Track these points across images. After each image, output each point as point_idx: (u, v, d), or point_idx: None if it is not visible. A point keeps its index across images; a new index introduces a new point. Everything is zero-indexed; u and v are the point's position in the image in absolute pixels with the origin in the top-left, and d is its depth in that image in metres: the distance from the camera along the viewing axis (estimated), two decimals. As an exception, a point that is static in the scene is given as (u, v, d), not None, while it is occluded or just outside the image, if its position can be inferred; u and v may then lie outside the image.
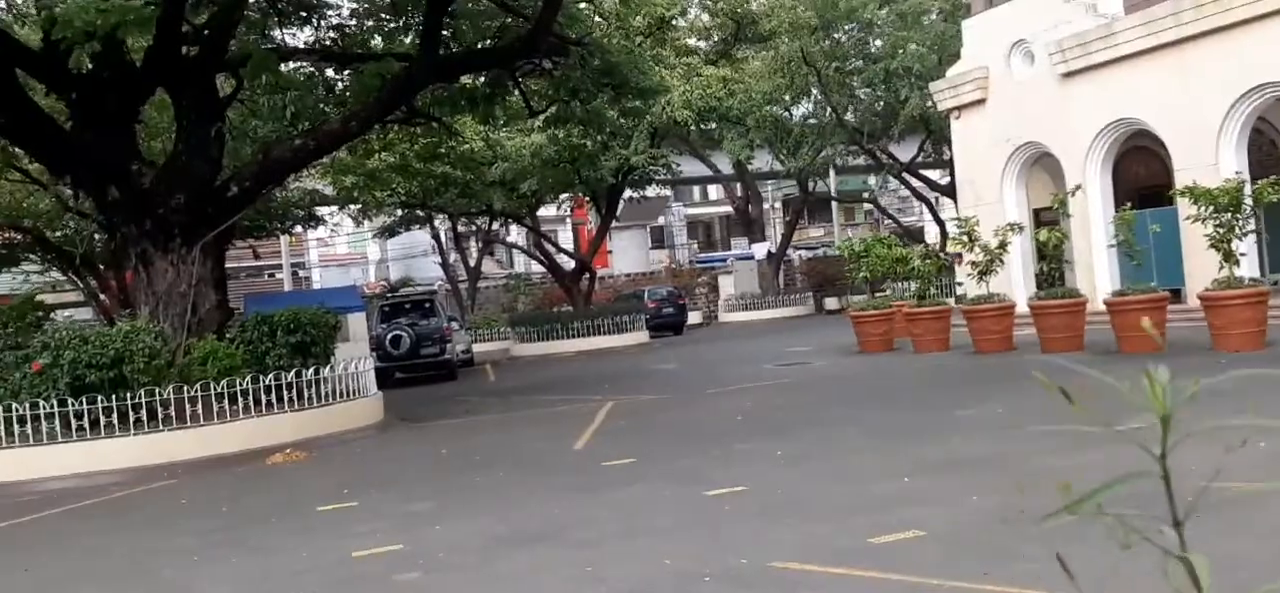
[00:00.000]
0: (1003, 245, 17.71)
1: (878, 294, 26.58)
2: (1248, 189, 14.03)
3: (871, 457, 8.88)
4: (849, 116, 32.10)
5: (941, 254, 24.09)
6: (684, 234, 76.50)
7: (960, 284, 17.64)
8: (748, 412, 13.04)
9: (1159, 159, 24.32)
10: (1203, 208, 14.08)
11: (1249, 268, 15.21)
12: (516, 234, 51.73)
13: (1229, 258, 14.05)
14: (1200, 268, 19.20)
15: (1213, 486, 5.15)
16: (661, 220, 73.82)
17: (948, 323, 19.18)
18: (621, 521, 7.41)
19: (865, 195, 53.16)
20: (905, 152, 37.71)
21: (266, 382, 14.21)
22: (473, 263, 46.33)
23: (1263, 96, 18.44)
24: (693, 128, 32.25)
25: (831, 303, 43.13)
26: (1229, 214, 13.90)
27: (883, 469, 8.19)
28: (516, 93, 19.52)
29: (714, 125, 37.10)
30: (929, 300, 19.19)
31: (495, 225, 42.24)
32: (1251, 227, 14.23)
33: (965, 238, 18.17)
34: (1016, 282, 23.02)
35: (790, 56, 30.17)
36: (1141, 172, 24.63)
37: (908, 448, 9.06)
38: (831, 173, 46.52)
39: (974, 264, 18.11)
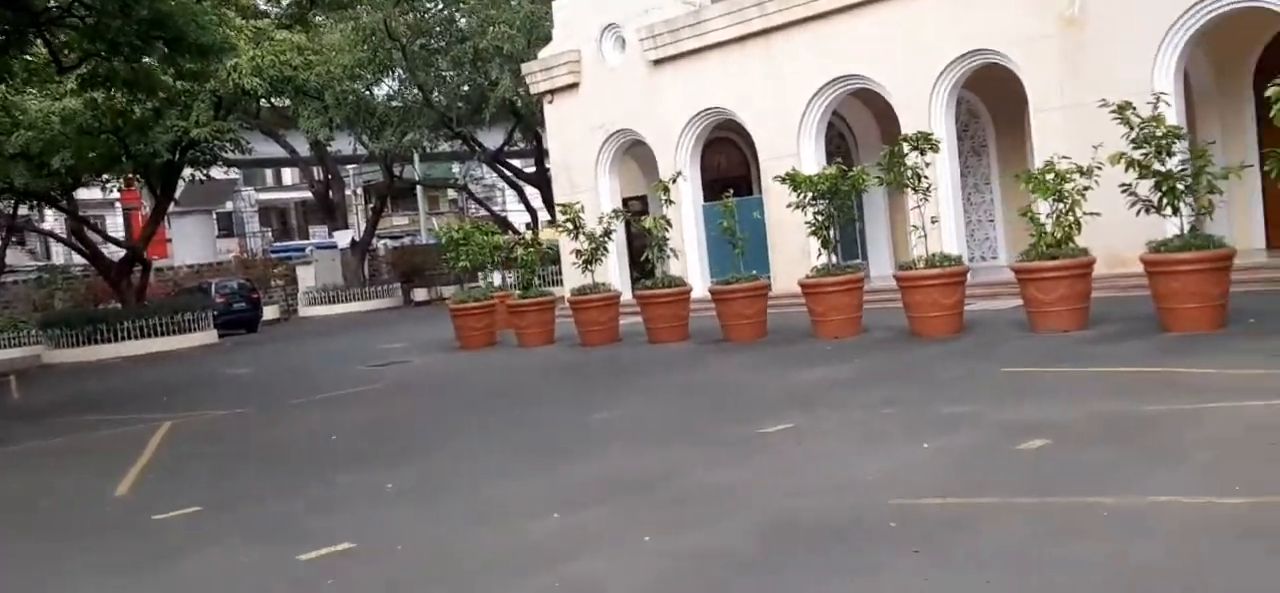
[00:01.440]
0: (608, 233, 17.05)
1: (470, 285, 25.35)
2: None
3: (510, 483, 7.41)
4: (437, 97, 30.48)
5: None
6: (257, 221, 70.97)
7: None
8: (345, 428, 11.11)
9: (739, 150, 25.17)
10: (803, 195, 14.11)
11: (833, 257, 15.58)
12: (57, 220, 44.74)
13: (826, 245, 14.21)
14: (786, 256, 19.90)
15: (908, 504, 3.96)
16: (231, 205, 67.88)
17: (553, 315, 18.27)
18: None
19: (453, 182, 51.82)
20: (494, 138, 36.83)
21: None
22: (-6, 254, 39.12)
23: (841, 89, 19.29)
24: (264, 101, 29.03)
25: (421, 295, 41.39)
26: (826, 202, 14.03)
27: (529, 500, 6.77)
28: (41, 44, 15.88)
29: (289, 101, 33.92)
30: (533, 291, 18.14)
31: (23, 209, 35.87)
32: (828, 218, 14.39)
33: (570, 225, 17.30)
34: (614, 271, 22.76)
35: (373, 28, 27.99)
36: (723, 162, 25.38)
37: (552, 467, 7.71)
38: (417, 158, 44.69)
39: (578, 253, 17.31)
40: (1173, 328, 10.92)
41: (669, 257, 16.81)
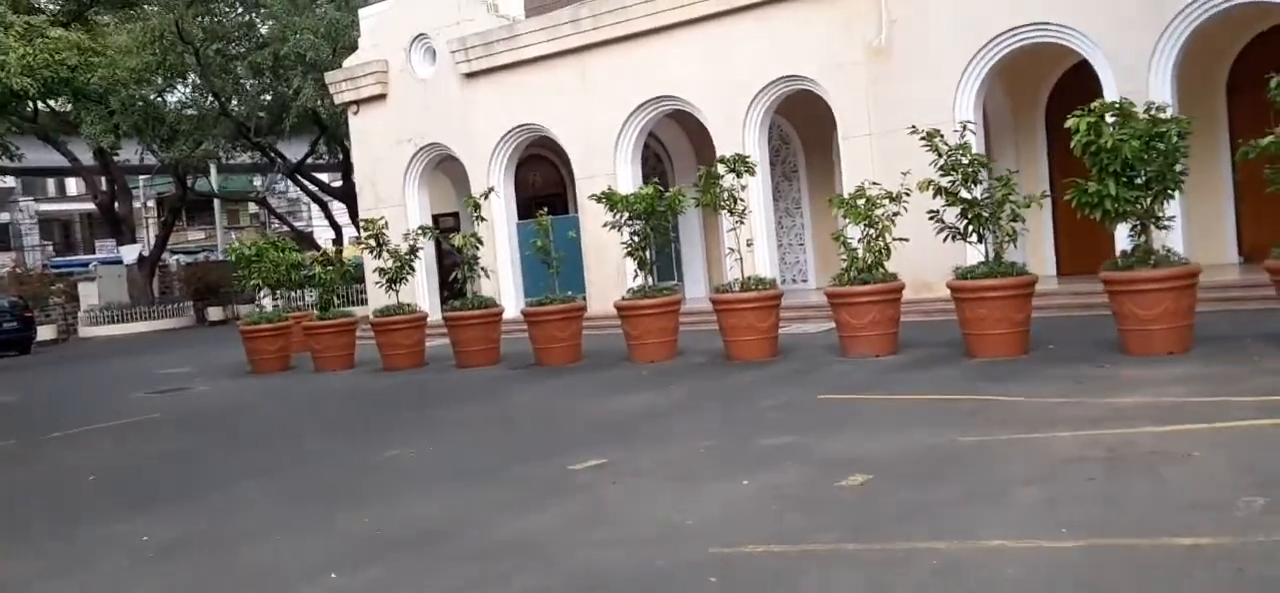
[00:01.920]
0: (413, 251, 16.18)
1: (258, 306, 23.86)
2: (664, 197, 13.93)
3: (284, 537, 6.56)
4: (235, 106, 28.67)
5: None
6: (37, 233, 65.62)
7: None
8: (107, 467, 9.91)
9: (555, 168, 24.68)
10: (619, 215, 13.71)
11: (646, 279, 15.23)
12: None
13: (643, 266, 13.84)
14: (602, 277, 19.48)
15: (730, 553, 3.40)
16: (6, 216, 62.60)
17: (353, 337, 17.23)
18: None
19: (253, 196, 49.22)
20: (297, 150, 35.03)
21: None
22: None
23: (656, 110, 19.06)
24: (38, 104, 26.58)
25: (216, 314, 38.93)
26: (643, 222, 13.66)
27: (305, 557, 5.96)
28: None
29: (69, 105, 31.38)
30: (333, 312, 17.05)
31: None
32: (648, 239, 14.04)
33: (373, 241, 16.34)
34: (423, 291, 21.82)
35: (163, 30, 26.05)
36: (539, 179, 24.85)
37: (333, 516, 6.91)
38: (213, 170, 42.16)
39: (382, 272, 16.37)
40: (978, 353, 11.03)
41: (480, 276, 16.10)
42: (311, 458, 9.33)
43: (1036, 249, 17.53)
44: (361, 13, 24.06)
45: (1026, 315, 11.10)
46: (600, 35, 19.15)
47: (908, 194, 11.92)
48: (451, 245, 15.87)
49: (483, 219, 16.03)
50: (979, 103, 15.69)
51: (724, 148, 16.24)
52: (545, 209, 15.00)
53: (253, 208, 60.31)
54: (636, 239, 13.74)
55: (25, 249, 61.97)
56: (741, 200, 13.09)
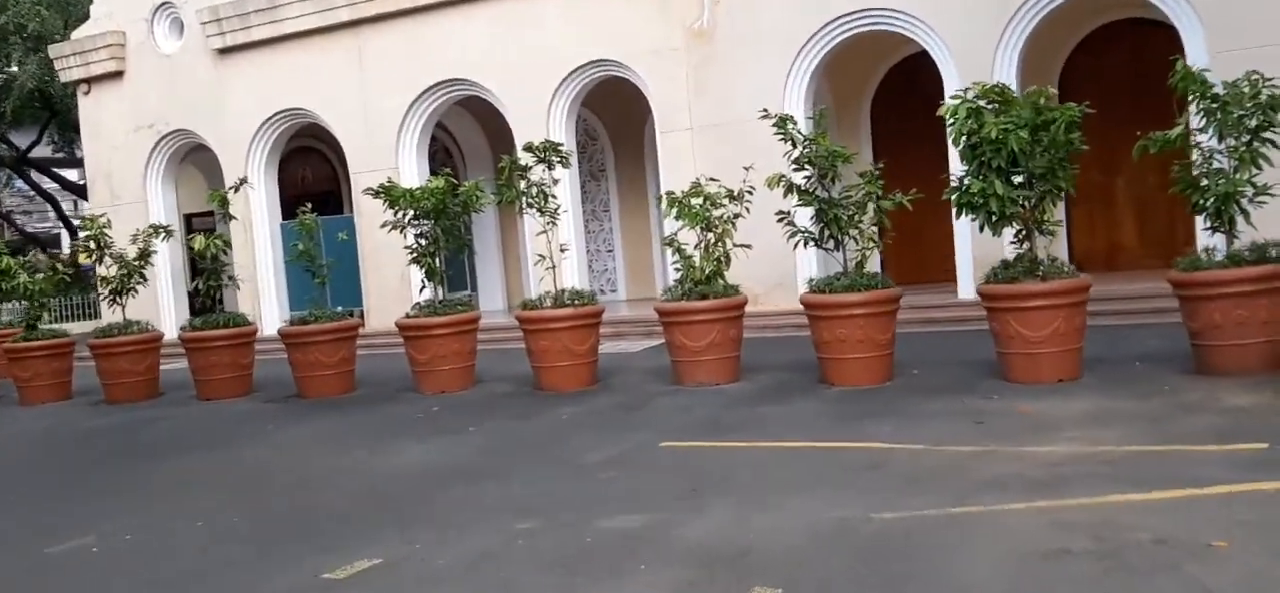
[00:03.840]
0: (145, 256, 13.10)
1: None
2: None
3: None
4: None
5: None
6: None
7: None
8: None
9: (328, 162, 21.73)
10: (402, 213, 11.26)
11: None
12: None
13: (433, 276, 11.42)
14: (382, 288, 16.83)
15: None
16: None
17: (70, 361, 13.93)
18: None
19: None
20: (28, 138, 30.14)
21: None
22: None
23: (446, 95, 16.63)
24: None
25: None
26: (432, 223, 11.26)
27: None
28: None
29: None
30: (42, 330, 13.69)
31: None
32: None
33: (92, 244, 13.19)
34: (166, 305, 18.54)
35: None
36: (309, 175, 21.82)
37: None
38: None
39: (105, 281, 13.23)
40: (837, 380, 9.29)
41: (227, 285, 13.23)
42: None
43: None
44: (94, -25, 20.42)
45: (891, 336, 9.45)
46: (378, 8, 16.57)
47: (751, 192, 10.08)
48: (191, 250, 12.91)
49: (233, 218, 13.17)
50: (810, 94, 14.13)
51: (525, 140, 13.92)
52: (308, 205, 12.32)
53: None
54: (424, 243, 11.32)
55: None
56: (554, 198, 10.90)
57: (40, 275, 13.71)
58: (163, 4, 18.70)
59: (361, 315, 16.32)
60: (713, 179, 10.32)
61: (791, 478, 6.31)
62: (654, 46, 14.84)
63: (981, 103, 8.73)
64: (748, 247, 10.25)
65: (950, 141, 8.99)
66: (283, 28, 17.32)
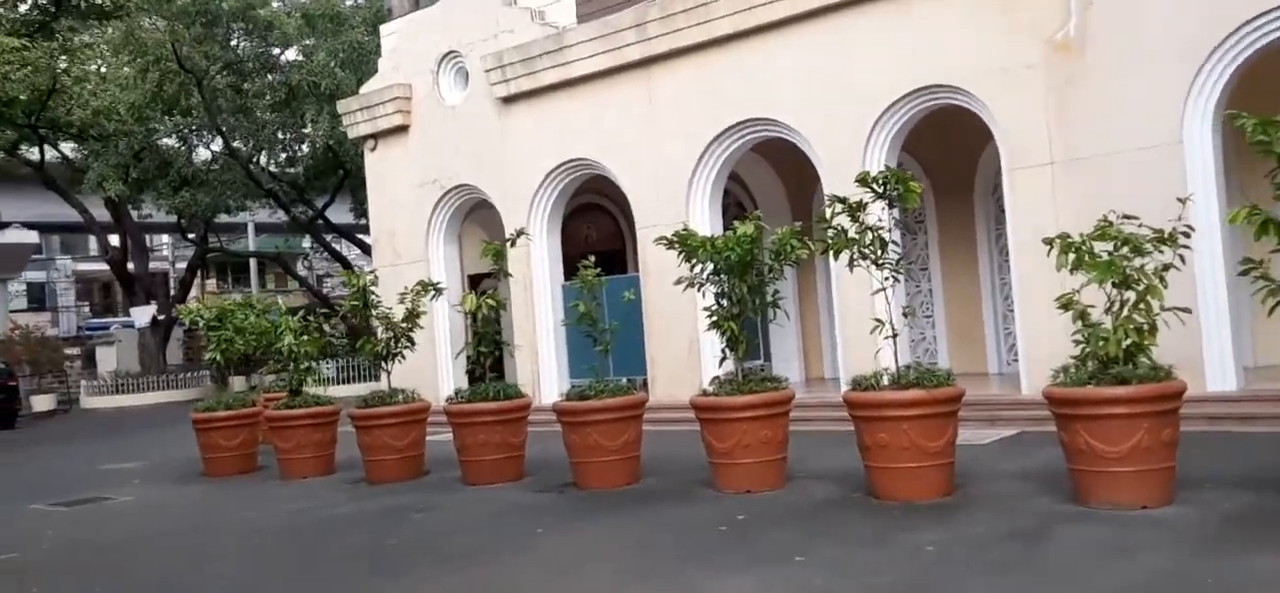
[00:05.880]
0: (413, 316, 11.63)
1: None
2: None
3: None
4: (239, 145, 24.67)
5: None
6: (73, 294, 62.90)
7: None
8: None
9: (612, 219, 20.18)
10: (700, 266, 9.08)
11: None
12: None
13: (735, 344, 9.13)
14: (669, 356, 14.81)
15: None
16: (46, 275, 60.05)
17: (334, 433, 12.71)
18: None
19: (299, 253, 45.20)
20: (334, 203, 30.99)
21: None
22: None
23: (743, 137, 14.50)
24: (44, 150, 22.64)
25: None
26: (734, 279, 9.01)
27: None
28: None
29: (84, 152, 27.77)
30: (305, 398, 12.55)
31: None
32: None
33: (358, 303, 11.92)
34: (444, 371, 17.39)
35: (157, 51, 22.09)
36: (593, 234, 20.31)
37: None
38: (251, 226, 38.51)
39: (370, 344, 11.91)
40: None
41: (501, 351, 11.57)
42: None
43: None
44: (382, 29, 20.00)
45: None
46: (670, 45, 14.71)
47: (1187, 234, 7.15)
48: (462, 311, 11.32)
49: (509, 275, 11.53)
50: (1218, 117, 10.88)
51: (835, 187, 11.44)
52: (590, 258, 10.38)
53: (304, 268, 56.70)
54: (725, 304, 9.07)
55: (59, 309, 59.13)
56: (896, 245, 8.36)
57: (305, 337, 12.58)
58: (449, 53, 17.81)
59: (645, 385, 14.38)
60: (1130, 217, 7.44)
61: None
62: (1001, 64, 12.06)
63: None
64: (1186, 310, 7.28)
65: None
66: (568, 70, 15.85)
